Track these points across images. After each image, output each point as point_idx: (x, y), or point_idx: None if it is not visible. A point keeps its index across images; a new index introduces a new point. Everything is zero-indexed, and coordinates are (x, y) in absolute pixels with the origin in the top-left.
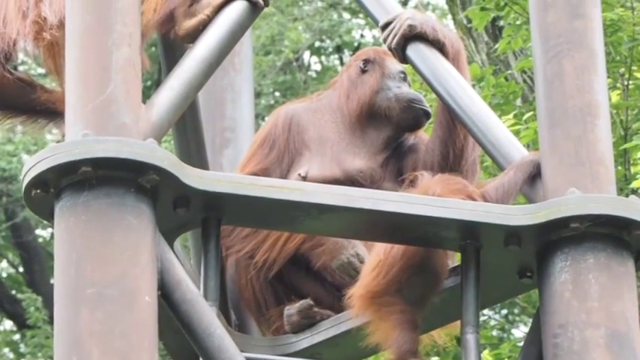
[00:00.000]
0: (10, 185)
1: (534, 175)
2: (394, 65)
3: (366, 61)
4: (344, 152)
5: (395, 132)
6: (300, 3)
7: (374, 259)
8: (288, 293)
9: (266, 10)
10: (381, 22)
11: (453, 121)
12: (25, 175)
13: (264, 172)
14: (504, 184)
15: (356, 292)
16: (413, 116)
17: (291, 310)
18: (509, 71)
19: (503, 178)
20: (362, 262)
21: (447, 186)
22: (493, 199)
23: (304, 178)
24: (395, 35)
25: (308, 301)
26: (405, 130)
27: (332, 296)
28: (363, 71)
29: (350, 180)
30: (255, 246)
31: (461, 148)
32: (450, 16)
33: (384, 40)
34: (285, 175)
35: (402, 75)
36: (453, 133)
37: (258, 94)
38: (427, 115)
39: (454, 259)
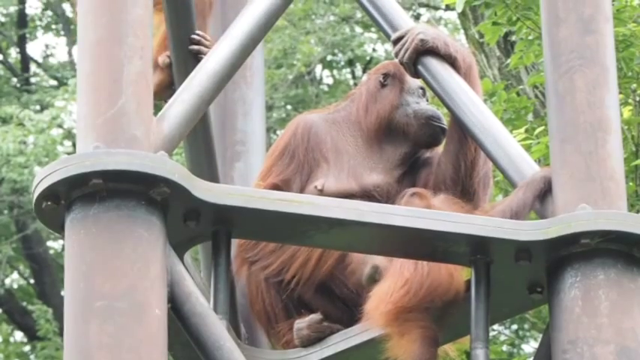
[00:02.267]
0: (21, 197)
1: (546, 192)
2: (414, 80)
3: (386, 75)
4: (361, 166)
5: (412, 148)
6: (313, 17)
7: (399, 277)
8: (298, 307)
9: (278, 23)
10: (393, 37)
11: (465, 135)
12: (35, 187)
13: (286, 183)
14: (512, 207)
15: (382, 307)
16: (430, 134)
17: (301, 324)
18: (521, 86)
19: (512, 200)
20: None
21: (451, 207)
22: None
23: (321, 192)
24: (407, 49)
25: (318, 316)
26: (422, 147)
27: (341, 310)
28: (383, 85)
29: (367, 195)
30: (283, 264)
31: (472, 161)
32: (462, 31)
33: (396, 55)
34: (304, 186)
35: (422, 90)
36: (465, 147)
37: (269, 108)
38: (445, 132)
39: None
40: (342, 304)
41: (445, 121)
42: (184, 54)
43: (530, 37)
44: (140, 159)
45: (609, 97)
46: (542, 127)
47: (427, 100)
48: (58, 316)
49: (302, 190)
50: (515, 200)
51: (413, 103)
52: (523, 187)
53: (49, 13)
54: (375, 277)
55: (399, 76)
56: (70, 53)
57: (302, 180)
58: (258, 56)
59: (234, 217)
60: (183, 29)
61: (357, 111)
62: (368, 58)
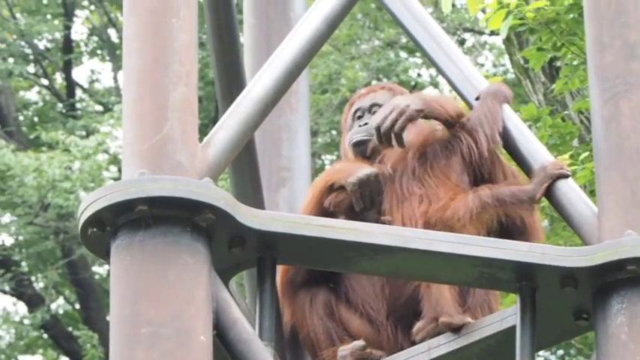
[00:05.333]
0: (67, 222)
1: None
2: (353, 109)
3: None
4: None
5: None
6: (357, 42)
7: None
8: (341, 333)
9: (323, 48)
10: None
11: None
12: (81, 214)
13: None
14: (487, 114)
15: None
16: (356, 155)
17: (344, 351)
18: (566, 112)
19: (482, 108)
20: (377, 175)
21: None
22: (483, 127)
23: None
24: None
25: (361, 342)
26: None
27: (383, 336)
28: None
29: None
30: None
31: (489, 173)
32: (506, 56)
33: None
34: None
35: (358, 114)
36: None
37: (314, 133)
38: (362, 142)
39: None
40: (383, 329)
41: (360, 133)
42: (229, 81)
43: (575, 63)
44: (185, 185)
45: None
46: (588, 153)
47: (361, 114)
48: (104, 341)
49: None
50: (486, 108)
51: (348, 138)
52: (489, 96)
53: (95, 38)
54: (368, 183)
55: (348, 110)
56: (115, 79)
57: None
58: (302, 82)
59: (279, 243)
60: (229, 56)
61: None
62: (413, 83)
